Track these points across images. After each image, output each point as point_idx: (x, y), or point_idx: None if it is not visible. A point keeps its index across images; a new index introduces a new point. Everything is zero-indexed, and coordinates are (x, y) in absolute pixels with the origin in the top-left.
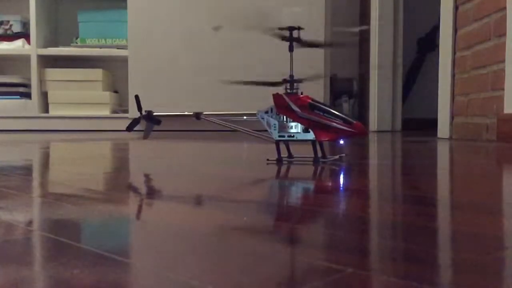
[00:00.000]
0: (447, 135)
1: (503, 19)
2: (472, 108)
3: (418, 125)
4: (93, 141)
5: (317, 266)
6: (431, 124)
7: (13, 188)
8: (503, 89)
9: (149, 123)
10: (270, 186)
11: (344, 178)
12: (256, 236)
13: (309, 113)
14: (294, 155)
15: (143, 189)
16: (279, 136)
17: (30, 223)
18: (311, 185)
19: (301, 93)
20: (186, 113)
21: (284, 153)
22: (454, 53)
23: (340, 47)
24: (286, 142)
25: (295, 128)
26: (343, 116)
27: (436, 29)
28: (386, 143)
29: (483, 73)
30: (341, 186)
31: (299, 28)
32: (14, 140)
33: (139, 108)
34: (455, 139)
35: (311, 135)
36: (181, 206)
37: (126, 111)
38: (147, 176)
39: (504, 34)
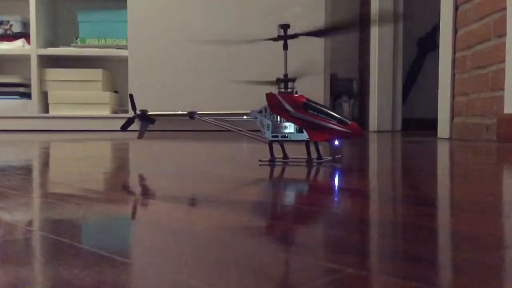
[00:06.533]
0: (447, 135)
1: (503, 19)
2: (472, 108)
3: (418, 125)
4: (93, 141)
5: (317, 266)
6: (431, 124)
7: (13, 188)
8: (503, 89)
9: (143, 122)
10: (265, 187)
11: (338, 179)
12: (255, 236)
13: (303, 113)
14: (289, 156)
15: (142, 189)
16: (273, 137)
17: (30, 223)
18: (305, 186)
19: (296, 93)
20: (179, 112)
21: (279, 154)
22: (454, 53)
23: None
24: (281, 143)
25: (289, 128)
26: (338, 116)
27: (436, 29)
28: (386, 143)
29: (483, 73)
30: (336, 186)
31: (289, 26)
32: (14, 140)
33: (134, 107)
34: (455, 139)
35: (305, 136)
36: (180, 206)
37: (126, 111)
38: (146, 176)
39: (504, 34)
